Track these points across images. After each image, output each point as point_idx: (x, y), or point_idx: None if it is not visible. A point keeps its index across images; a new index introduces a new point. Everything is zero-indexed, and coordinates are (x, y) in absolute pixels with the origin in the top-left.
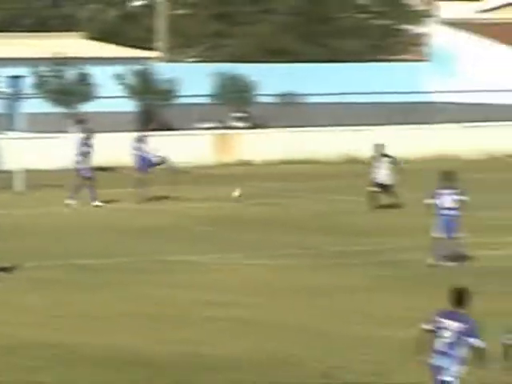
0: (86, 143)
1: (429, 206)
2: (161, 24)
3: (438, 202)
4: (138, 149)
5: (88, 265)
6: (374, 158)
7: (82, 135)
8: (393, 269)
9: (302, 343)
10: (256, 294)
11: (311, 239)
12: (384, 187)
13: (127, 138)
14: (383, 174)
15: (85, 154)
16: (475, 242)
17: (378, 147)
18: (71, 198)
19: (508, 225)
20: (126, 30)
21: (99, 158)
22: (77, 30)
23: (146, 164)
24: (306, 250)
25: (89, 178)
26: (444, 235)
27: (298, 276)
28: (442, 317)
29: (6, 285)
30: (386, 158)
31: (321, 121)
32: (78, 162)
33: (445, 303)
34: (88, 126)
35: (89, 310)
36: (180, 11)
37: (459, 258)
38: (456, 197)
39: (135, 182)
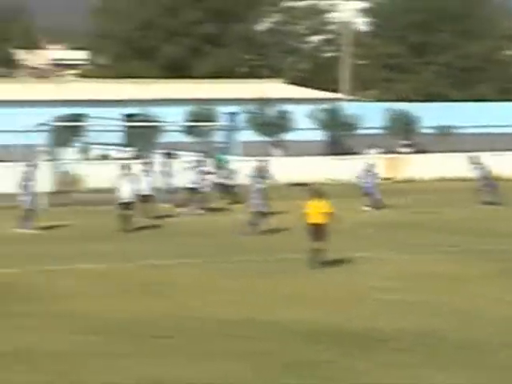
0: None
1: None
2: (345, 71)
3: None
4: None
5: (283, 258)
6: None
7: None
8: None
9: (452, 319)
10: (410, 280)
11: (458, 239)
12: None
13: (317, 161)
14: None
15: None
16: None
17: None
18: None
19: None
20: (317, 76)
21: (296, 175)
22: (279, 77)
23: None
24: (453, 248)
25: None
26: None
27: (445, 267)
28: None
29: (219, 270)
30: None
31: (468, 147)
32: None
33: None
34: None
35: (282, 292)
36: (359, 61)
37: None
38: None
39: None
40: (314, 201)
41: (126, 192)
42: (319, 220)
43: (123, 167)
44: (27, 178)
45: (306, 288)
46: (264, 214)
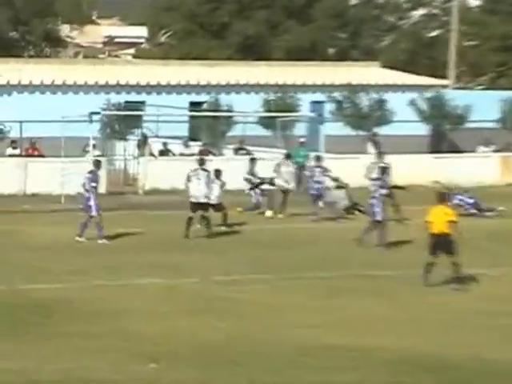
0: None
1: None
2: (452, 53)
3: None
4: None
5: (363, 275)
6: None
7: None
8: None
9: None
10: None
11: None
12: None
13: (420, 160)
14: None
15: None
16: None
17: None
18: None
19: None
20: (418, 59)
21: (394, 177)
22: (373, 59)
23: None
24: None
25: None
26: None
27: None
28: None
29: (288, 288)
30: None
31: None
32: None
33: None
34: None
35: (366, 314)
36: (468, 42)
37: None
38: None
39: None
40: (438, 207)
41: (197, 191)
42: (445, 229)
43: (198, 163)
44: (93, 179)
45: (403, 310)
46: (379, 223)
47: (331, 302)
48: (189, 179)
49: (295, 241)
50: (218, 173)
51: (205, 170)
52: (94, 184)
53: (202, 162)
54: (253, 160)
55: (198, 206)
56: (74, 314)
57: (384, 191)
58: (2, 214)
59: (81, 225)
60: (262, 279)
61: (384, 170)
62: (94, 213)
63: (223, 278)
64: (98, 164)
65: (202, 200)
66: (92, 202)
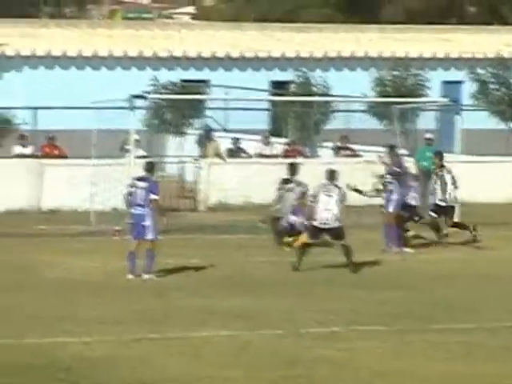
0: None
1: None
2: None
3: None
4: None
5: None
6: None
7: None
8: None
9: None
10: None
11: None
12: None
13: None
14: None
15: None
16: None
17: None
18: None
19: None
20: None
21: None
22: None
23: None
24: None
25: None
26: None
27: None
28: None
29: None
30: None
31: None
32: None
33: None
34: None
35: None
36: None
37: None
38: None
39: None
40: None
41: (326, 212)
42: None
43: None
44: (153, 189)
45: None
46: None
47: (472, 368)
48: (315, 196)
49: (423, 277)
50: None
51: (337, 187)
52: (154, 196)
53: (331, 176)
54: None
55: (324, 232)
56: (103, 381)
57: None
58: (9, 238)
59: (130, 257)
60: (374, 332)
61: None
62: (150, 236)
63: (318, 330)
64: (150, 167)
65: (333, 224)
66: (149, 222)
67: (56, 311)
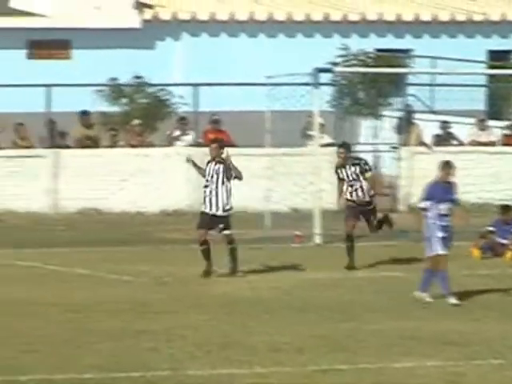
0: None
1: None
2: None
3: None
4: None
5: None
6: None
7: None
8: None
9: None
10: None
11: None
12: None
13: None
14: None
15: None
16: None
17: None
18: None
19: None
20: None
21: None
22: None
23: None
24: None
25: None
26: None
27: None
28: None
29: None
30: None
31: None
32: None
33: None
34: None
35: None
36: None
37: None
38: None
39: None
40: None
41: None
42: None
43: None
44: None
45: None
46: None
47: None
48: None
49: None
50: None
51: None
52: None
53: None
54: None
55: None
56: None
57: None
58: (170, 245)
59: (425, 276)
60: None
61: None
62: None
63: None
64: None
65: None
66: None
67: (222, 337)
